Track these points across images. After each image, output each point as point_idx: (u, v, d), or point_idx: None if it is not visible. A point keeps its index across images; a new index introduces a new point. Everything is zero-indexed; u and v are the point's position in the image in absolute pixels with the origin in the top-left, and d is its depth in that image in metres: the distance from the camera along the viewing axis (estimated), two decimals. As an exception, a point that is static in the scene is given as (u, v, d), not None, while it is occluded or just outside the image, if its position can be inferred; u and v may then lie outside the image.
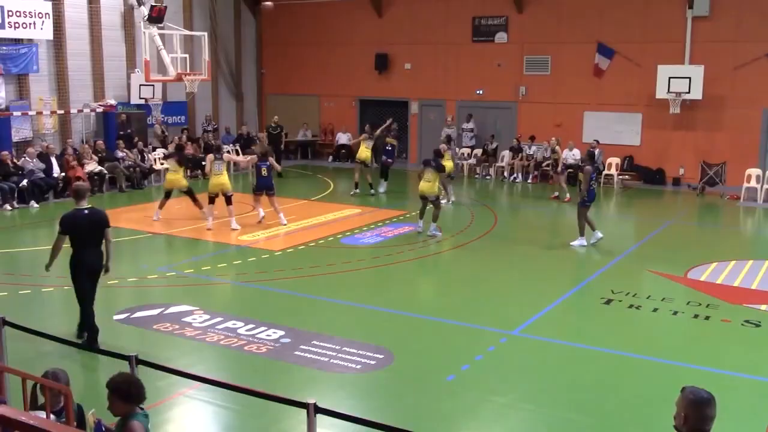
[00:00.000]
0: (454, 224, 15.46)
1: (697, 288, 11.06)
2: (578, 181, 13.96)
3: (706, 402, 3.85)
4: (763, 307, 10.20)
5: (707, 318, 9.66)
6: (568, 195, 17.90)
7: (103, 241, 8.31)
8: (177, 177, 15.04)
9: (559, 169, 18.76)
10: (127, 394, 4.39)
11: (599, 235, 13.58)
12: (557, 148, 19.38)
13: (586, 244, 13.46)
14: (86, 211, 8.21)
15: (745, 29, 19.21)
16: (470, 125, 22.93)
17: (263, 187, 14.89)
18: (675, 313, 9.89)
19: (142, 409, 4.55)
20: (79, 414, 4.98)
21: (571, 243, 13.52)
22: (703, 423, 3.83)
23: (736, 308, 10.09)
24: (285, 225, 14.73)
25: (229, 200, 14.52)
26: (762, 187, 18.67)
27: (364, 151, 18.59)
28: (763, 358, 8.46)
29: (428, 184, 13.83)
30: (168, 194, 15.23)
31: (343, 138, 25.00)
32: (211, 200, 14.49)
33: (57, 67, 19.39)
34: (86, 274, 8.31)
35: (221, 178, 14.48)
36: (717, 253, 13.20)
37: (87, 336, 8.34)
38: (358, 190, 18.67)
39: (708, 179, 19.53)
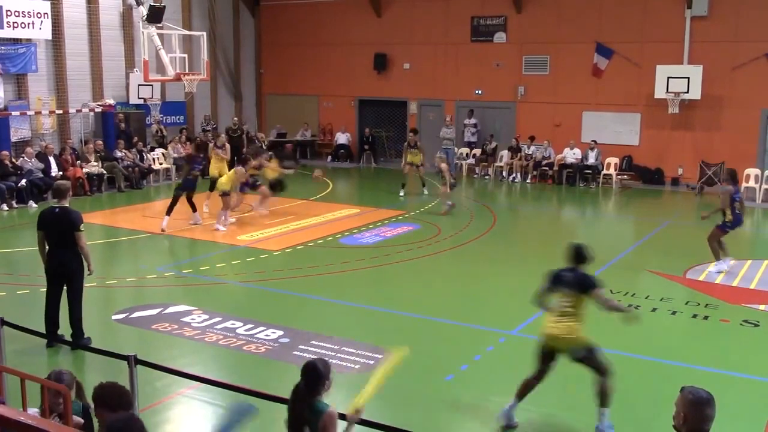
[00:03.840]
0: (453, 224, 15.45)
1: (695, 288, 11.07)
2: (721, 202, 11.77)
3: (705, 402, 3.85)
4: (762, 306, 10.20)
5: (706, 318, 9.67)
6: (447, 204, 16.37)
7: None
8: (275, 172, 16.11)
9: (450, 182, 16.45)
10: (117, 405, 4.27)
11: (725, 266, 11.77)
12: (443, 166, 16.63)
13: (726, 268, 11.74)
14: (57, 210, 8.13)
15: (743, 29, 19.21)
16: (472, 120, 22.93)
17: (185, 188, 14.49)
18: (674, 312, 9.90)
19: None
20: (85, 414, 4.93)
21: (708, 269, 11.82)
22: (703, 423, 3.84)
23: (734, 308, 10.10)
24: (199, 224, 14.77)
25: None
26: (760, 187, 18.69)
27: (414, 157, 18.56)
28: (761, 357, 8.46)
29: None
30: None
31: (341, 138, 24.99)
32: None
33: (56, 67, 19.37)
34: (50, 271, 8.23)
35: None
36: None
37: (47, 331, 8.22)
38: (426, 190, 18.78)
39: (707, 179, 19.54)
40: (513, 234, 15.59)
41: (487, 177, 22.09)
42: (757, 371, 7.99)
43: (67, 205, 8.25)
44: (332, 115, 25.75)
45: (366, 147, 24.68)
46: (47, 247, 8.19)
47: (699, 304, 10.18)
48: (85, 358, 8.06)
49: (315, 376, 4.23)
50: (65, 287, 8.30)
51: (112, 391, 4.26)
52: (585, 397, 7.34)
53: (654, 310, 9.98)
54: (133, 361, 5.69)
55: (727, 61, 19.44)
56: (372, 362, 7.99)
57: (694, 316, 9.79)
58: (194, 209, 14.76)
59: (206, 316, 9.37)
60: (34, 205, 16.66)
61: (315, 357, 4.43)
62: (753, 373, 7.93)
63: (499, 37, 22.47)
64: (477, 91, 22.98)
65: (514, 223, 16.83)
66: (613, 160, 20.91)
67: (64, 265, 8.17)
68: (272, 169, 16.33)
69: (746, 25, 19.18)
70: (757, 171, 18.96)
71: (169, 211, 14.20)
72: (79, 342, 8.20)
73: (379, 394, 7.34)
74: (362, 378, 7.64)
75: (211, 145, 17.00)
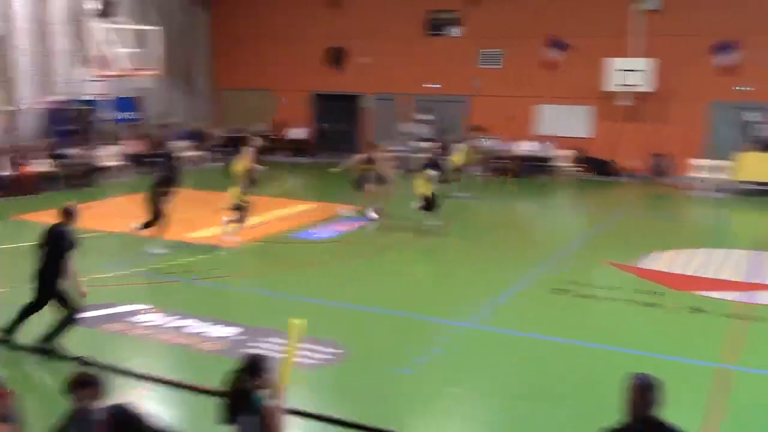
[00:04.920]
0: (409, 218, 15.49)
1: (647, 277, 11.29)
2: None
3: (650, 387, 3.98)
4: (710, 293, 10.47)
5: (656, 305, 9.87)
6: (373, 213, 15.34)
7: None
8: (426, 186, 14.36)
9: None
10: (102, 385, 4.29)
11: None
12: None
13: None
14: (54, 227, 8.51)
15: (695, 23, 19.63)
16: (428, 116, 22.99)
17: None
18: (625, 301, 10.09)
19: None
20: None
21: None
22: (647, 407, 3.95)
23: (683, 295, 10.34)
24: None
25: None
26: (708, 177, 19.14)
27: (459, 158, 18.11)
28: (709, 343, 8.68)
29: None
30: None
31: (296, 133, 24.88)
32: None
33: (3, 63, 18.89)
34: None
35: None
36: (666, 242, 13.48)
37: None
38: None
39: (657, 170, 19.95)
40: (469, 227, 15.69)
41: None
42: (705, 357, 8.20)
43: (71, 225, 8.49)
44: (288, 111, 25.60)
45: (322, 141, 24.59)
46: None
47: (649, 293, 10.40)
48: (34, 359, 7.89)
49: (251, 370, 4.34)
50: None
51: (90, 375, 4.31)
52: (542, 387, 7.45)
53: (607, 299, 10.16)
54: (83, 363, 5.60)
55: (679, 54, 19.85)
56: (329, 357, 7.99)
57: (646, 304, 9.99)
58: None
59: (159, 315, 9.25)
60: (-17, 204, 16.25)
61: (256, 352, 4.50)
62: (701, 358, 8.14)
63: (454, 30, 22.58)
64: (434, 85, 23.03)
65: (469, 216, 16.94)
66: (567, 153, 21.19)
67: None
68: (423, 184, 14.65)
69: (697, 19, 19.61)
70: (705, 162, 19.42)
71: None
72: (41, 346, 7.94)
73: (335, 389, 7.37)
74: (318, 373, 7.66)
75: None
